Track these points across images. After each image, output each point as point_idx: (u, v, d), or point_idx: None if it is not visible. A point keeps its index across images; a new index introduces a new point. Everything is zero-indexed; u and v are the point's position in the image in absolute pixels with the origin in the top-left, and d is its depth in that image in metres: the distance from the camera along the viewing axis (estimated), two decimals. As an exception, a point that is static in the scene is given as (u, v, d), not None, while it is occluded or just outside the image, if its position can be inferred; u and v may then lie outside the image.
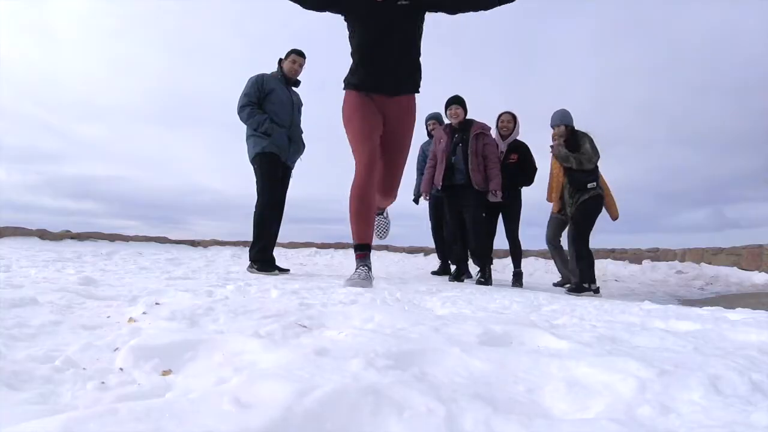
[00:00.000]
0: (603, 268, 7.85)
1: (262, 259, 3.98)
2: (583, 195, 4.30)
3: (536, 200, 5.29)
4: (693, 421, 0.75)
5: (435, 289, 3.07)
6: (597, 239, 4.69)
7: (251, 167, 4.12)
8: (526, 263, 5.49)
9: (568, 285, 4.67)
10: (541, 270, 7.54)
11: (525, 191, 4.91)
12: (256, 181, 4.07)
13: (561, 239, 5.15)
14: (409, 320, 1.47)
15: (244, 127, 4.07)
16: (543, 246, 5.43)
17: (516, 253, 4.86)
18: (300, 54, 4.19)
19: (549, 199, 5.12)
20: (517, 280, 4.74)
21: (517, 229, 4.84)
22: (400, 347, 1.09)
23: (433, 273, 5.73)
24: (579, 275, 4.37)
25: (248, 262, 4.08)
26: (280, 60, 4.21)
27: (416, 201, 5.64)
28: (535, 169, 4.86)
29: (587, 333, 1.46)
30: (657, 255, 8.82)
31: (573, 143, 4.35)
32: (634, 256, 8.87)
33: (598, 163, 4.39)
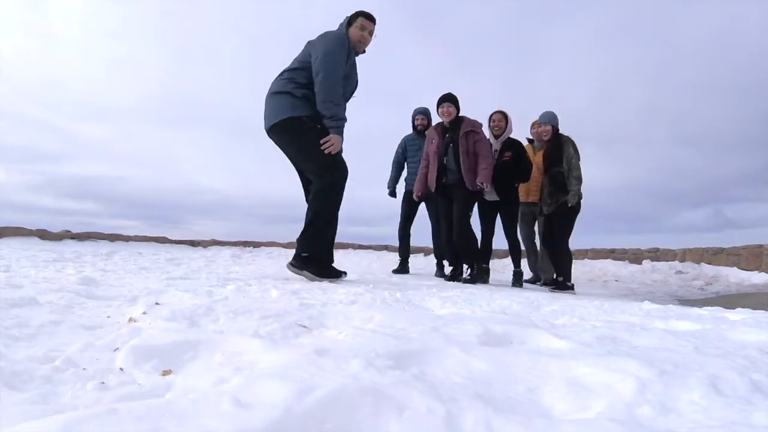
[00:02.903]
0: (603, 268, 7.83)
1: (329, 258, 3.05)
2: (563, 195, 4.41)
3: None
4: (693, 421, 0.75)
5: (435, 289, 3.07)
6: (597, 239, 4.74)
7: (274, 136, 3.13)
8: (525, 263, 5.46)
9: (542, 283, 5.12)
10: (541, 270, 7.53)
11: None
12: (312, 144, 2.98)
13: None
14: (409, 320, 1.47)
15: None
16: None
17: (515, 252, 4.85)
18: (373, 20, 3.16)
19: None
20: (517, 279, 4.72)
21: (516, 228, 4.84)
22: (400, 347, 1.09)
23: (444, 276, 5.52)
24: (563, 274, 4.52)
25: (288, 261, 3.12)
26: (348, 23, 3.13)
27: (392, 194, 5.53)
28: (531, 164, 4.85)
29: (587, 333, 1.46)
30: (657, 255, 8.82)
31: (556, 145, 4.52)
32: (634, 256, 8.86)
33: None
